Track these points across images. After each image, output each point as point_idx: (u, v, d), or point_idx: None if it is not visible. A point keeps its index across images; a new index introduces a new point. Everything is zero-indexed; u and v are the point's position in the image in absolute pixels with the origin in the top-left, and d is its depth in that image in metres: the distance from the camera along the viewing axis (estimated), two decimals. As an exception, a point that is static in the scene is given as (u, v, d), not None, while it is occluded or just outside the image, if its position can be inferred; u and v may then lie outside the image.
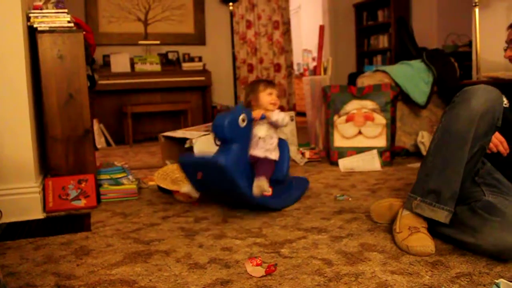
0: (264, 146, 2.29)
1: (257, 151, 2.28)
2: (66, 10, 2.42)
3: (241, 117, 2.10)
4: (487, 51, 3.80)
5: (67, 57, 2.38)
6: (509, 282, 1.22)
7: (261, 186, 2.09)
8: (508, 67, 3.26)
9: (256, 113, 2.24)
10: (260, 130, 2.30)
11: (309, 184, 2.62)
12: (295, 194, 2.41)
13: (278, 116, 2.27)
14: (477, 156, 1.64)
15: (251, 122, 2.20)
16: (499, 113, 1.61)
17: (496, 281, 1.22)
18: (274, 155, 2.32)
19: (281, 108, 6.84)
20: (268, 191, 2.11)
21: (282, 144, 2.41)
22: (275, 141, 2.35)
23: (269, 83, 2.43)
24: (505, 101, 1.89)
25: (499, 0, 3.69)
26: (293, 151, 3.60)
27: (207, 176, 2.04)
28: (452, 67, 3.71)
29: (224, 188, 2.07)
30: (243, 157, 2.16)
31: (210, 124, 3.65)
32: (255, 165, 2.23)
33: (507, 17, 3.65)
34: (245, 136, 2.18)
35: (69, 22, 2.40)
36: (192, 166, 2.09)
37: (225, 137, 2.08)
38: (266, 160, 2.27)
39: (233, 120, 2.07)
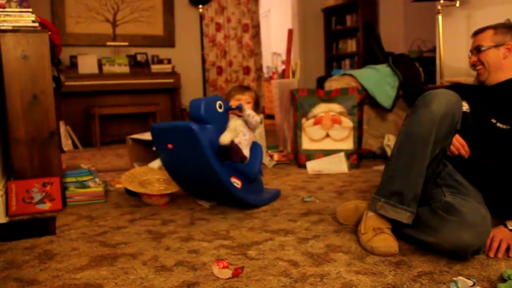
0: (243, 141, 2.27)
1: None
2: (30, 10, 2.37)
3: (218, 102, 2.15)
4: (450, 57, 3.92)
5: (32, 58, 2.33)
6: (466, 279, 1.27)
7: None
8: (469, 73, 3.37)
9: (233, 102, 2.29)
10: (234, 125, 2.27)
11: (280, 192, 2.60)
12: (266, 196, 2.42)
13: (250, 111, 2.28)
14: (439, 158, 1.69)
15: (227, 112, 2.23)
16: (458, 116, 1.67)
17: (454, 278, 1.27)
18: (245, 152, 2.27)
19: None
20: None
21: (256, 146, 2.42)
22: (247, 138, 2.31)
23: (242, 89, 2.47)
24: (466, 106, 1.96)
25: (460, 9, 3.81)
26: (262, 154, 3.62)
27: (178, 146, 2.04)
28: (417, 72, 3.80)
29: (194, 163, 2.05)
30: (216, 141, 2.11)
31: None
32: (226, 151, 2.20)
33: (467, 25, 3.78)
34: (220, 122, 2.18)
35: (33, 21, 2.36)
36: (163, 134, 2.09)
37: (200, 117, 2.08)
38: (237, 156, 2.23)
39: (210, 102, 2.11)
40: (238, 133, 2.23)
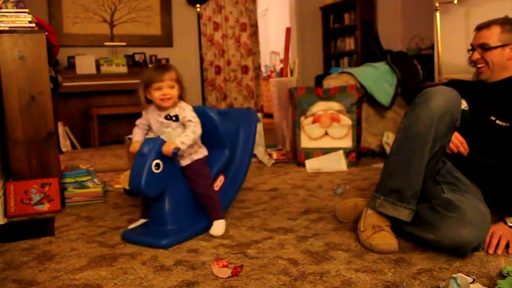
0: (186, 151, 1.91)
1: (183, 160, 1.94)
2: (27, 10, 2.37)
3: (153, 164, 1.77)
4: (448, 54, 3.92)
5: (29, 58, 2.33)
6: (465, 276, 1.26)
7: (219, 229, 1.88)
8: (467, 70, 3.37)
9: (166, 149, 1.79)
10: (173, 136, 1.87)
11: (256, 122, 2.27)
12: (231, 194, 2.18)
13: (187, 139, 1.84)
14: (438, 155, 1.68)
15: (171, 159, 1.84)
16: (457, 113, 1.66)
17: (454, 275, 1.26)
18: (201, 152, 1.99)
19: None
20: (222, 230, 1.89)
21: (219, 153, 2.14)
22: (196, 147, 1.98)
23: (159, 72, 1.88)
24: (464, 103, 1.95)
25: (458, 6, 3.81)
26: (261, 152, 3.62)
27: None
28: (415, 69, 3.80)
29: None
30: (184, 197, 1.91)
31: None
32: (191, 185, 1.93)
33: (465, 22, 3.78)
34: (173, 176, 1.88)
35: (30, 22, 2.35)
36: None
37: (149, 195, 1.81)
38: (196, 170, 1.94)
39: (148, 174, 1.75)
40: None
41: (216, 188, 2.07)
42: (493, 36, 1.90)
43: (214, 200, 1.95)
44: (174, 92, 1.89)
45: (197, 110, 1.99)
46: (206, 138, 2.05)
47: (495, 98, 1.92)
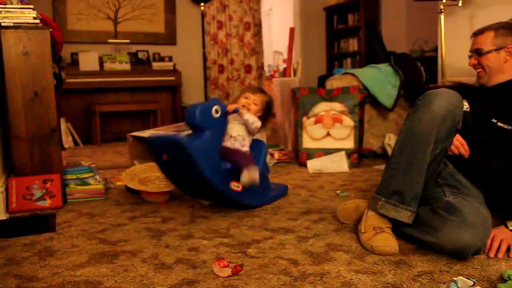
0: (234, 144, 2.25)
1: (228, 144, 2.24)
2: (31, 6, 2.37)
3: (214, 107, 2.08)
4: (452, 57, 3.91)
5: (33, 54, 2.33)
6: (466, 279, 1.26)
7: (252, 175, 2.07)
8: (471, 73, 3.36)
9: (230, 106, 2.18)
10: (234, 130, 2.26)
11: (287, 190, 2.59)
12: (272, 193, 2.42)
13: (249, 116, 2.22)
14: (439, 158, 1.68)
15: (225, 116, 2.17)
16: (459, 116, 1.66)
17: (454, 278, 1.26)
18: (246, 148, 2.29)
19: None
20: (256, 181, 2.10)
21: (260, 144, 2.41)
22: (246, 143, 2.30)
23: (254, 89, 2.38)
24: (466, 105, 1.96)
25: (462, 8, 3.80)
26: (263, 152, 3.62)
27: (172, 158, 2.04)
28: (419, 72, 3.80)
29: (189, 173, 2.05)
30: (214, 148, 2.11)
31: (179, 124, 3.64)
32: (229, 158, 2.16)
33: (469, 24, 3.77)
34: (218, 128, 2.14)
35: (34, 18, 2.35)
36: (159, 145, 2.09)
37: (196, 123, 2.05)
38: (239, 151, 2.23)
39: (206, 108, 2.06)
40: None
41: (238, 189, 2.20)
42: (487, 41, 1.94)
43: (245, 154, 2.21)
44: (254, 108, 2.31)
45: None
46: None
47: (496, 101, 1.93)
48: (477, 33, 2.01)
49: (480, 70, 1.98)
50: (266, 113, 2.36)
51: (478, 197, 1.74)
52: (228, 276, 1.42)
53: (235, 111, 2.16)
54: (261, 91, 2.38)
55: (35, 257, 1.64)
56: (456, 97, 1.64)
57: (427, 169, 1.63)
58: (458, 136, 1.82)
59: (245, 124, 2.26)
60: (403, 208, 1.64)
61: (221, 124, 2.17)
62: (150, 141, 2.13)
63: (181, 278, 1.43)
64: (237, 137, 2.27)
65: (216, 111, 2.09)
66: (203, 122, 2.05)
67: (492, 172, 1.84)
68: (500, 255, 1.53)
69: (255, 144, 2.39)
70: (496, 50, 1.92)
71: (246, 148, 2.28)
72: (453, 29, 3.91)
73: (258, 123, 2.26)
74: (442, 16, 3.86)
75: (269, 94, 2.40)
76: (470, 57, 2.04)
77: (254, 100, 2.31)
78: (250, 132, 2.30)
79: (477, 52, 1.97)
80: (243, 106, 2.28)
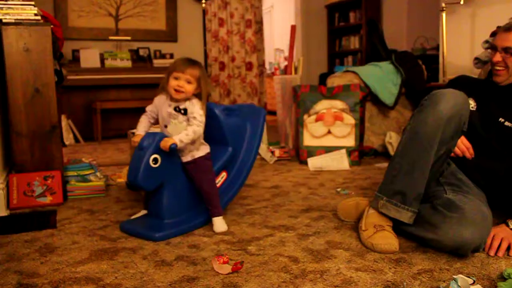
0: (187, 147, 1.93)
1: (184, 157, 1.95)
2: (33, 3, 2.37)
3: (151, 159, 1.78)
4: (453, 55, 3.91)
5: (34, 51, 2.33)
6: (466, 277, 1.26)
7: (222, 226, 1.89)
8: (472, 71, 3.36)
9: (163, 145, 1.80)
10: (176, 131, 1.89)
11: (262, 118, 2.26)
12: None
13: (183, 138, 1.82)
14: (443, 158, 1.68)
15: (171, 154, 1.86)
16: (465, 118, 1.65)
17: (454, 276, 1.26)
18: (202, 150, 1.98)
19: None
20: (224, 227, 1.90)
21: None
22: (197, 146, 1.98)
23: (183, 64, 1.89)
24: (472, 103, 1.92)
25: (464, 7, 3.80)
26: (263, 150, 3.62)
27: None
28: (420, 70, 3.79)
29: None
30: (183, 192, 1.94)
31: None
32: (194, 180, 1.95)
33: (471, 23, 3.76)
34: (172, 170, 1.90)
35: (36, 14, 2.35)
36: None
37: (149, 190, 1.86)
38: (199, 167, 1.95)
39: (145, 169, 1.77)
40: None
41: (218, 184, 2.07)
42: None
43: (214, 196, 1.95)
44: (189, 87, 1.89)
45: None
46: (210, 134, 2.06)
47: (505, 100, 1.88)
48: (509, 29, 1.81)
49: (501, 68, 1.84)
50: (204, 85, 1.93)
51: (480, 195, 1.74)
52: (228, 273, 1.42)
53: (172, 148, 1.79)
54: (190, 64, 1.91)
55: (35, 254, 1.64)
56: (463, 98, 1.63)
57: (430, 170, 1.63)
58: (463, 139, 1.80)
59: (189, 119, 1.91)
60: (405, 208, 1.64)
61: (173, 164, 1.91)
62: (121, 229, 1.92)
63: (181, 275, 1.43)
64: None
65: (155, 161, 1.80)
66: (152, 182, 1.82)
67: (495, 175, 1.82)
68: (501, 253, 1.53)
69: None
70: None
71: (201, 153, 1.97)
72: (454, 27, 3.90)
73: (199, 131, 1.89)
74: (443, 14, 3.85)
75: (198, 62, 1.96)
76: (489, 49, 1.86)
77: (186, 79, 1.87)
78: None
79: (506, 50, 1.80)
80: (176, 90, 1.88)
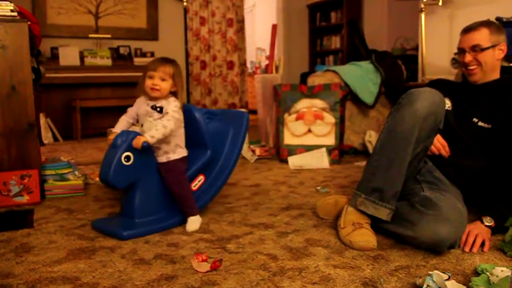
0: (162, 148, 1.94)
1: (159, 157, 1.95)
2: (9, -1, 2.33)
3: (123, 157, 1.78)
4: (432, 55, 3.96)
5: (10, 48, 2.29)
6: (441, 273, 1.28)
7: (193, 225, 1.89)
8: (450, 71, 3.41)
9: (135, 142, 1.79)
10: (150, 129, 1.87)
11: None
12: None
13: (154, 134, 1.81)
14: (420, 156, 1.70)
15: (144, 152, 1.84)
16: (441, 116, 1.68)
17: (430, 272, 1.28)
18: (179, 153, 1.98)
19: (232, 106, 6.81)
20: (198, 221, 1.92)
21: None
22: (171, 141, 1.95)
23: (156, 62, 1.92)
24: (448, 103, 1.97)
25: (442, 8, 3.85)
26: (244, 149, 3.62)
27: None
28: (399, 69, 3.83)
29: None
30: (156, 191, 1.93)
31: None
32: (164, 181, 1.94)
33: (449, 24, 3.82)
34: (145, 170, 1.89)
35: (12, 11, 2.31)
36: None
37: (120, 188, 1.84)
38: (171, 169, 1.94)
39: (117, 166, 1.76)
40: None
41: (195, 188, 2.07)
42: (485, 37, 1.89)
43: (187, 199, 1.94)
44: (164, 85, 1.90)
45: (183, 108, 2.01)
46: (189, 137, 2.06)
47: (479, 99, 1.94)
48: (470, 29, 1.93)
49: (475, 67, 1.92)
50: (178, 82, 1.96)
51: (456, 193, 1.77)
52: (207, 271, 1.42)
53: (144, 146, 1.78)
54: (163, 62, 1.93)
55: (11, 254, 1.61)
56: (439, 97, 1.66)
57: (407, 167, 1.65)
58: (439, 137, 1.83)
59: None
60: (382, 205, 1.66)
61: (147, 163, 1.90)
62: (93, 227, 1.92)
63: (160, 273, 1.43)
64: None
65: (127, 159, 1.79)
66: (124, 180, 1.81)
67: (470, 172, 1.86)
68: (475, 249, 1.56)
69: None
70: (492, 47, 1.89)
71: (176, 156, 1.96)
72: (433, 28, 3.95)
73: (170, 126, 1.86)
74: (422, 15, 3.90)
75: (172, 60, 1.98)
76: (459, 54, 1.97)
77: (160, 77, 1.89)
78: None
79: (474, 49, 1.90)
80: (151, 88, 1.89)
